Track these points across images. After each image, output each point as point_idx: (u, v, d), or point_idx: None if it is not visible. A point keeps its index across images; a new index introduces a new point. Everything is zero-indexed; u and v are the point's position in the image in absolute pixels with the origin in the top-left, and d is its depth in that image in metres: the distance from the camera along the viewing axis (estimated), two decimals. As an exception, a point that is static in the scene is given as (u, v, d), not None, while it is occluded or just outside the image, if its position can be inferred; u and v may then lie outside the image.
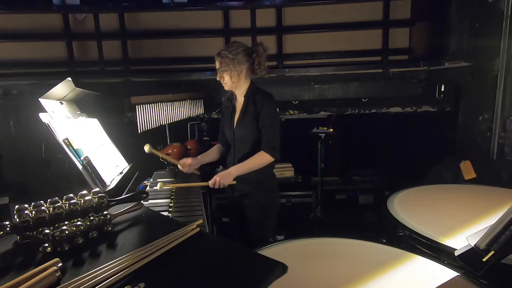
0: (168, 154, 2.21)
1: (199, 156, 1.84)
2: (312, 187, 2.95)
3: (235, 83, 1.65)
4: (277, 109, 1.70)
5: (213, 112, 2.93)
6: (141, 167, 2.15)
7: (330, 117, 3.20)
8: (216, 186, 1.59)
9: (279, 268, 0.66)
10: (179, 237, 0.79)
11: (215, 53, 1.64)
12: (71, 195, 0.89)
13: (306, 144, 2.85)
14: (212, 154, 1.87)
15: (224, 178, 1.59)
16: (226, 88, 1.69)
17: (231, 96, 1.77)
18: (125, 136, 2.24)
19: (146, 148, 1.67)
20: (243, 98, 1.70)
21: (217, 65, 1.65)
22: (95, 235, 0.83)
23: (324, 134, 2.70)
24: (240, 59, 1.61)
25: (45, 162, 2.08)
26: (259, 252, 1.03)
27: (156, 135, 2.44)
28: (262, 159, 1.62)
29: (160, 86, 2.84)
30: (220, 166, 2.44)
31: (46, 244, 0.74)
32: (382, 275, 0.94)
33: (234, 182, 1.65)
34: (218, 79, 1.68)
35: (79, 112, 1.97)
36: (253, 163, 1.63)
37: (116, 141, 2.06)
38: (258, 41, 1.68)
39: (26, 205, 0.81)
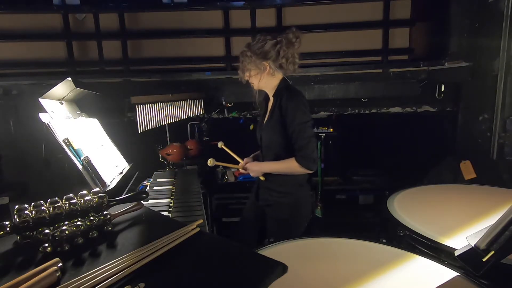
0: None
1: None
2: (312, 187, 2.94)
3: (256, 83, 1.52)
4: (307, 109, 1.49)
5: (213, 112, 2.93)
6: (141, 167, 2.15)
7: (330, 117, 3.20)
8: (244, 172, 1.60)
9: (279, 268, 0.66)
10: (179, 237, 0.79)
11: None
12: (71, 195, 0.89)
13: (306, 144, 2.85)
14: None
15: (254, 170, 1.56)
16: (255, 88, 1.58)
17: (264, 96, 1.65)
18: (125, 136, 2.24)
19: (210, 162, 1.56)
20: (273, 98, 1.55)
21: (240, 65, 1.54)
22: (95, 235, 0.83)
23: (324, 134, 2.70)
24: (262, 54, 1.45)
25: (45, 162, 2.07)
26: (259, 252, 1.03)
27: (156, 135, 2.44)
28: (290, 166, 1.46)
29: (160, 86, 2.84)
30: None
31: (46, 244, 0.74)
32: (382, 275, 0.94)
33: (263, 178, 1.57)
34: (242, 79, 1.57)
35: (79, 112, 1.97)
36: (282, 166, 1.50)
37: (116, 141, 2.06)
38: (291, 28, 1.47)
39: (26, 205, 0.81)
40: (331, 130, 2.70)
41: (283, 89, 1.51)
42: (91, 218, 0.85)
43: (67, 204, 0.85)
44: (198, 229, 0.85)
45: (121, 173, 1.81)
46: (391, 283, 0.91)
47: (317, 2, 2.85)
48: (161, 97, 2.38)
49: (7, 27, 2.72)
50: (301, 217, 1.62)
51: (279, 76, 1.53)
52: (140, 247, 0.74)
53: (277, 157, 1.53)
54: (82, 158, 1.45)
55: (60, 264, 0.67)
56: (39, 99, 1.54)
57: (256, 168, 1.57)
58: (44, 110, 1.51)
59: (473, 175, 2.34)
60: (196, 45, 2.90)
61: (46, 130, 1.38)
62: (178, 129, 2.77)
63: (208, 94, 2.83)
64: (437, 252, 1.07)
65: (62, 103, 1.77)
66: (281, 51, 1.45)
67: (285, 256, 1.02)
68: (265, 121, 1.59)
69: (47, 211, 0.81)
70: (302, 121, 1.45)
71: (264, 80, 1.51)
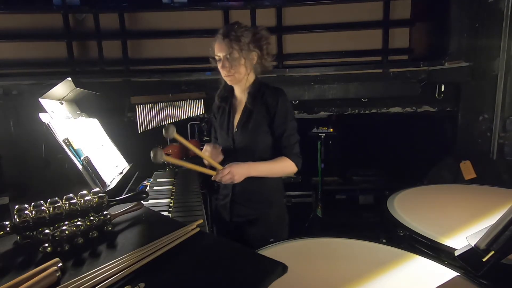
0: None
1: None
2: (312, 187, 2.95)
3: (239, 76, 1.31)
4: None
5: (213, 112, 2.93)
6: (141, 167, 2.15)
7: (330, 117, 3.20)
8: (224, 180, 1.24)
9: (279, 268, 0.66)
10: (179, 237, 0.79)
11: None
12: (71, 195, 0.89)
13: (306, 144, 2.85)
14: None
15: (240, 174, 1.25)
16: (232, 82, 1.35)
17: (227, 93, 1.46)
18: (125, 136, 2.24)
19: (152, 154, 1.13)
20: (245, 96, 1.38)
21: (224, 50, 1.26)
22: (95, 235, 0.83)
23: (324, 134, 2.71)
24: (253, 43, 1.28)
25: (45, 162, 2.08)
26: (259, 252, 1.03)
27: (156, 135, 2.44)
28: (285, 166, 1.32)
29: (160, 86, 2.84)
30: None
31: (46, 244, 0.74)
32: (382, 275, 0.94)
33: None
34: (222, 68, 1.30)
35: (79, 112, 1.97)
36: (275, 167, 1.33)
37: (116, 141, 2.06)
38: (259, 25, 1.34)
39: (26, 205, 0.81)
40: (331, 130, 2.71)
41: (263, 85, 1.37)
42: (91, 218, 0.85)
43: (67, 204, 0.85)
44: (198, 229, 0.85)
45: (121, 173, 1.81)
46: (391, 283, 0.91)
47: (317, 2, 2.85)
48: (161, 97, 2.39)
49: (7, 27, 2.72)
50: (286, 227, 1.50)
51: (253, 72, 1.39)
52: (140, 247, 0.74)
53: (258, 160, 1.34)
54: (82, 158, 1.45)
55: (60, 264, 0.66)
56: (39, 99, 1.54)
57: (244, 172, 1.28)
58: (44, 110, 1.51)
59: (473, 175, 2.34)
60: (196, 45, 2.89)
61: (46, 130, 1.38)
62: (178, 129, 2.75)
63: (208, 94, 2.83)
64: (437, 252, 1.07)
65: (62, 103, 1.77)
66: (264, 47, 1.33)
67: (285, 256, 1.02)
68: (237, 120, 1.40)
69: (47, 211, 0.81)
70: (292, 118, 1.36)
71: (247, 73, 1.33)
